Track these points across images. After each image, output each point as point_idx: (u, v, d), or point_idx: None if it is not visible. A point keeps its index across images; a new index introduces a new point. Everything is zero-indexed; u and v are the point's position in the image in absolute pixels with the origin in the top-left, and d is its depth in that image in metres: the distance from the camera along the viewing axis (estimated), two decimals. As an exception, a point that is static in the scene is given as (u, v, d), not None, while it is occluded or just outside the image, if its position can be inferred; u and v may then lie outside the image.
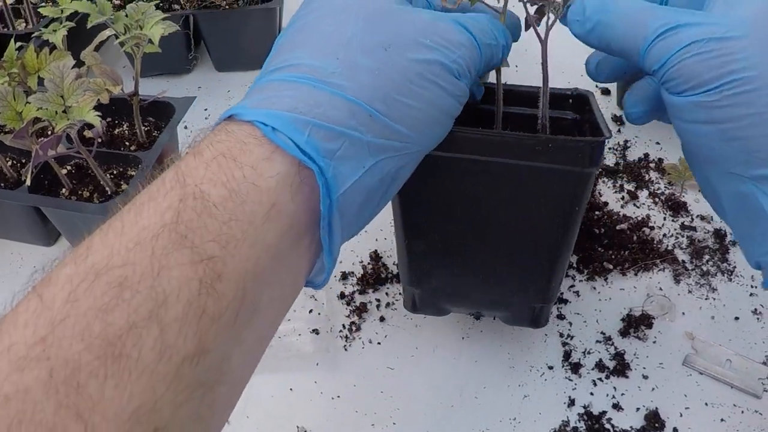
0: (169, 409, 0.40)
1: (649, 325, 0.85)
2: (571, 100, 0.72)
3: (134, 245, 0.41)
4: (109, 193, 0.90)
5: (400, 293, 0.88)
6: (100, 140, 0.93)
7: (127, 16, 0.88)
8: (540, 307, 0.76)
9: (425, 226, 0.70)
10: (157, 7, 1.03)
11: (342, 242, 0.52)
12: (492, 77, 0.69)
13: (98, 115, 0.79)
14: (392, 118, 0.51)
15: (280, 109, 0.48)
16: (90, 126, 0.79)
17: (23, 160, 0.98)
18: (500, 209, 0.67)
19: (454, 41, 0.54)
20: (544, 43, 0.63)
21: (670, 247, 0.93)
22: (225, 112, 0.50)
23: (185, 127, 1.15)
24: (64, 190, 0.92)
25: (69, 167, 0.96)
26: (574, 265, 0.92)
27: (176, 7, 1.23)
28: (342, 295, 0.90)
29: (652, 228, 0.96)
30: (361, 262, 0.93)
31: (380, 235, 0.96)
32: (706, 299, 0.88)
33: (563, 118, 0.72)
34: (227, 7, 1.19)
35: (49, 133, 0.93)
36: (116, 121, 1.03)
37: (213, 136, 0.48)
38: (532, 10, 0.62)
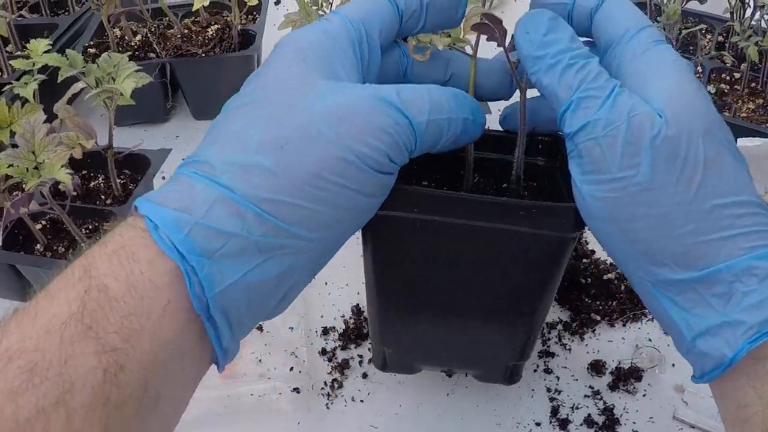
0: None
1: (639, 378, 0.83)
2: (540, 146, 0.70)
3: (45, 332, 0.43)
4: (84, 249, 0.88)
5: (382, 349, 0.87)
6: (75, 194, 0.92)
7: (99, 67, 0.86)
8: (514, 365, 0.74)
9: (398, 287, 0.69)
10: (133, 56, 1.02)
11: (236, 337, 0.51)
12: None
13: (69, 173, 0.77)
14: (285, 220, 0.49)
15: (169, 206, 0.48)
16: (66, 180, 0.78)
17: (-4, 216, 0.96)
18: (476, 270, 0.65)
19: (371, 128, 0.50)
20: (523, 90, 0.61)
21: (658, 296, 0.92)
22: (136, 200, 0.50)
23: (163, 178, 1.13)
24: (38, 245, 0.90)
25: (44, 222, 0.94)
26: (561, 318, 0.90)
27: (152, 55, 1.21)
28: (323, 351, 0.87)
29: (639, 276, 0.94)
30: (343, 316, 0.91)
31: (362, 288, 0.93)
32: (696, 349, 0.86)
33: (534, 164, 0.70)
34: (204, 55, 1.18)
35: (24, 188, 0.91)
36: (92, 174, 1.01)
37: (119, 226, 0.49)
38: (513, 56, 0.60)
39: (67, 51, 0.87)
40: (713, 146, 0.51)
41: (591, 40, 0.61)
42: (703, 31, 1.27)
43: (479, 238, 0.62)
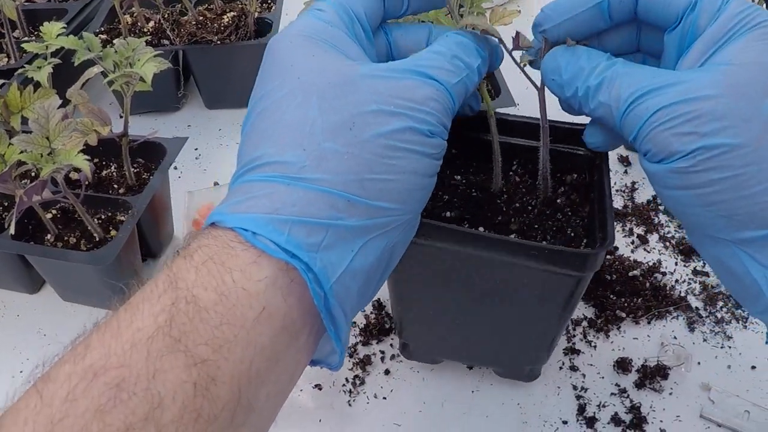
0: None
1: (665, 376, 0.82)
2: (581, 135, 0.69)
3: (130, 347, 0.42)
4: (97, 239, 0.86)
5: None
6: (87, 183, 0.89)
7: (116, 52, 0.84)
8: (530, 368, 0.75)
9: (416, 299, 0.70)
10: (146, 42, 1.00)
11: (349, 325, 0.52)
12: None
13: (86, 159, 0.75)
14: (371, 197, 0.50)
15: (258, 212, 0.48)
16: (77, 168, 0.75)
17: (6, 203, 0.93)
18: (492, 292, 0.66)
19: (419, 97, 0.52)
20: (540, 90, 0.60)
21: (683, 294, 0.90)
22: (208, 218, 0.50)
23: (175, 168, 1.11)
24: (49, 235, 0.87)
25: (54, 211, 0.91)
26: (585, 315, 0.89)
27: (165, 42, 1.19)
28: (344, 347, 0.85)
29: (663, 273, 0.92)
30: (363, 311, 0.90)
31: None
32: (721, 348, 0.85)
33: (575, 154, 0.70)
34: (218, 42, 1.15)
35: (33, 175, 0.88)
36: (104, 162, 0.99)
37: (201, 239, 0.49)
38: (518, 56, 0.60)
39: (83, 33, 0.85)
40: None
41: None
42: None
43: (495, 268, 0.63)
